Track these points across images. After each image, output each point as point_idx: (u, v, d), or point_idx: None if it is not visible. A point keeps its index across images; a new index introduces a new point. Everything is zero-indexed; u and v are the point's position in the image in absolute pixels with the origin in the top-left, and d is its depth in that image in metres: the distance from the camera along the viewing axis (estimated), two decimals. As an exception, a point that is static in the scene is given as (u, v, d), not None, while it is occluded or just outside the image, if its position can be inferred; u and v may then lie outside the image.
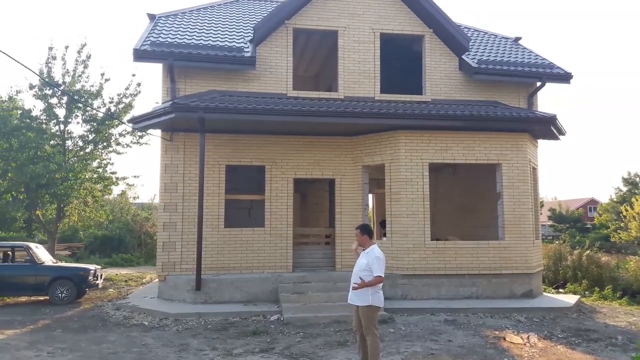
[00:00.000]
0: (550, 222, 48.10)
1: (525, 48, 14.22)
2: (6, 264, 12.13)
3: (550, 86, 12.93)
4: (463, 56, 12.72)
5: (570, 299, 11.74)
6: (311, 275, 11.12)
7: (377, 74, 12.40)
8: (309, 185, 15.81)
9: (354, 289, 5.96)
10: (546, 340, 8.05)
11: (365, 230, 6.33)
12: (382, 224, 14.71)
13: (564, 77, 12.82)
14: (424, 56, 12.76)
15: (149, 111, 11.22)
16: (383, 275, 5.97)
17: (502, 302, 10.88)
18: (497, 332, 8.54)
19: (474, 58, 12.85)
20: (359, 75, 12.34)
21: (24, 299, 12.57)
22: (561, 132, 12.46)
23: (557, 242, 23.20)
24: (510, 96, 13.02)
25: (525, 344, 7.78)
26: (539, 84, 12.84)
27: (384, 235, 13.92)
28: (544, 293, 12.67)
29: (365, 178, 11.99)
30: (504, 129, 11.67)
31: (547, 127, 11.70)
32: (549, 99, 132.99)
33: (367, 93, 12.29)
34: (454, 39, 12.51)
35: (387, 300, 10.52)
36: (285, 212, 11.92)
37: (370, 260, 5.98)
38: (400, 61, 13.81)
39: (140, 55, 11.31)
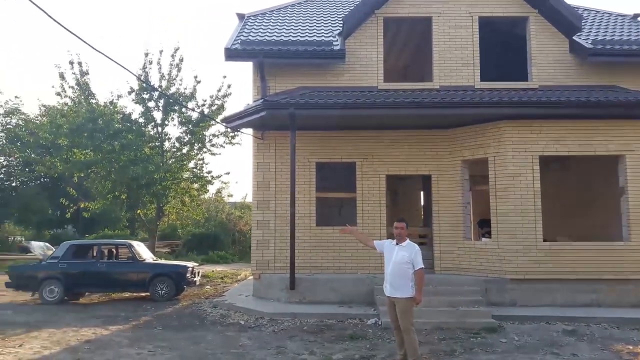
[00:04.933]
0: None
1: (647, 24, 12.56)
2: (111, 261, 12.72)
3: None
4: (574, 37, 11.45)
5: None
6: (408, 277, 10.46)
7: (476, 61, 11.49)
8: (400, 182, 15.14)
9: (419, 300, 6.19)
10: (695, 360, 6.84)
11: (408, 224, 6.56)
12: (481, 223, 13.70)
13: (699, 55, 11.10)
14: (529, 39, 11.63)
15: (241, 110, 11.22)
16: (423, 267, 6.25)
17: (629, 311, 9.55)
18: (630, 347, 7.42)
19: (587, 38, 11.52)
20: (455, 62, 11.50)
21: (127, 294, 13.11)
22: (696, 117, 10.78)
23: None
24: (630, 79, 11.47)
25: (669, 363, 6.65)
26: (666, 63, 11.22)
27: (483, 235, 12.96)
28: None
29: (465, 174, 11.13)
30: (627, 115, 10.29)
31: (681, 112, 10.16)
32: None
33: (465, 82, 11.42)
34: (564, 18, 11.27)
35: (494, 306, 9.78)
36: (378, 210, 11.41)
37: (412, 254, 6.20)
38: (501, 46, 12.74)
39: (231, 54, 11.35)
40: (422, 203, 17.97)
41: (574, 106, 9.99)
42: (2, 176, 33.35)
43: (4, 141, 31.37)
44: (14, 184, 33.98)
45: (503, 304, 10.00)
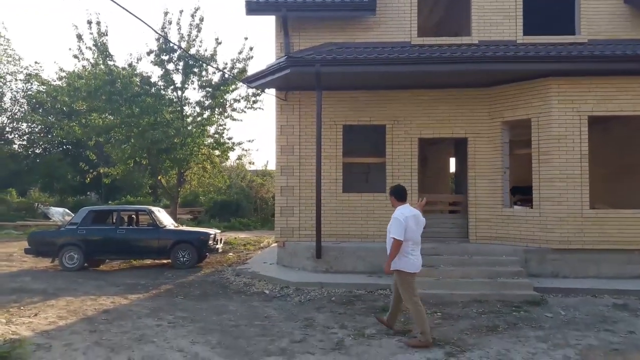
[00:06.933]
0: None
1: None
2: (131, 227, 12.37)
3: None
4: (630, -15, 10.35)
5: None
6: (442, 247, 9.86)
7: (518, 13, 10.50)
8: (429, 147, 14.39)
9: (385, 270, 5.95)
10: None
11: (390, 192, 6.28)
12: (513, 191, 12.90)
13: None
14: (578, -11, 10.59)
15: (263, 68, 10.53)
16: (399, 237, 5.73)
17: (684, 284, 8.83)
18: (693, 325, 6.73)
19: (645, -14, 10.41)
20: (496, 15, 10.54)
21: (148, 262, 12.81)
22: None
23: None
24: (692, 32, 10.41)
25: None
26: None
27: (515, 203, 12.19)
28: None
29: (505, 136, 10.32)
30: (689, 71, 9.30)
31: None
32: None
33: (506, 36, 10.48)
34: (619, -37, 10.18)
35: (535, 277, 9.13)
36: (409, 176, 10.72)
37: (390, 223, 5.91)
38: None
39: (253, 8, 10.59)
40: (452, 170, 17.30)
41: (630, 61, 9.03)
42: (25, 143, 33.49)
43: (26, 107, 31.32)
44: (37, 151, 34.16)
45: (544, 275, 9.35)
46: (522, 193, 12.59)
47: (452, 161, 16.35)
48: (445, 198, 12.07)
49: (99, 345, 5.69)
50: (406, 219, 5.78)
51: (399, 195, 6.12)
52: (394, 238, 5.74)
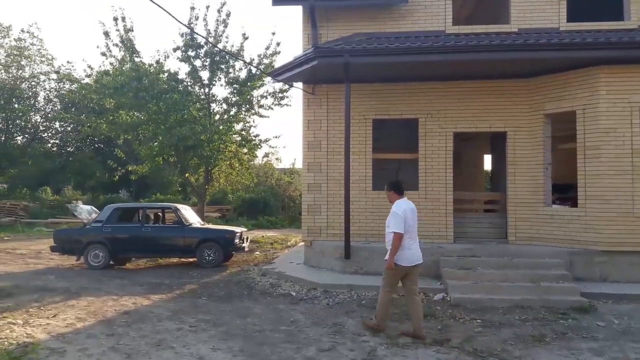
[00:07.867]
0: None
1: None
2: (157, 225, 12.16)
3: None
4: (685, -36, 9.55)
5: None
6: (479, 248, 9.28)
7: (562, -2, 9.85)
8: (463, 144, 13.74)
9: (387, 267, 5.87)
10: None
11: (389, 187, 6.19)
12: (552, 188, 12.13)
13: None
14: (627, -30, 9.83)
15: (290, 61, 10.14)
16: (400, 230, 5.71)
17: None
18: None
19: (702, -34, 9.58)
20: (537, 0, 9.88)
21: (174, 260, 12.60)
22: None
23: None
24: None
25: None
26: None
27: (554, 202, 11.47)
28: None
29: (548, 130, 9.65)
30: None
31: None
32: None
33: (548, 23, 9.83)
34: (673, -59, 9.39)
35: (582, 282, 8.48)
36: (444, 173, 10.19)
37: (388, 217, 5.92)
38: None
39: (279, -3, 10.22)
40: (486, 168, 16.61)
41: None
42: (58, 142, 34.04)
43: (58, 107, 31.80)
44: (70, 149, 34.68)
45: (591, 280, 8.68)
46: (560, 191, 11.87)
47: (487, 159, 15.71)
48: (483, 196, 11.43)
49: (115, 350, 5.37)
50: (404, 212, 5.80)
51: (399, 189, 6.13)
52: (394, 232, 5.73)
